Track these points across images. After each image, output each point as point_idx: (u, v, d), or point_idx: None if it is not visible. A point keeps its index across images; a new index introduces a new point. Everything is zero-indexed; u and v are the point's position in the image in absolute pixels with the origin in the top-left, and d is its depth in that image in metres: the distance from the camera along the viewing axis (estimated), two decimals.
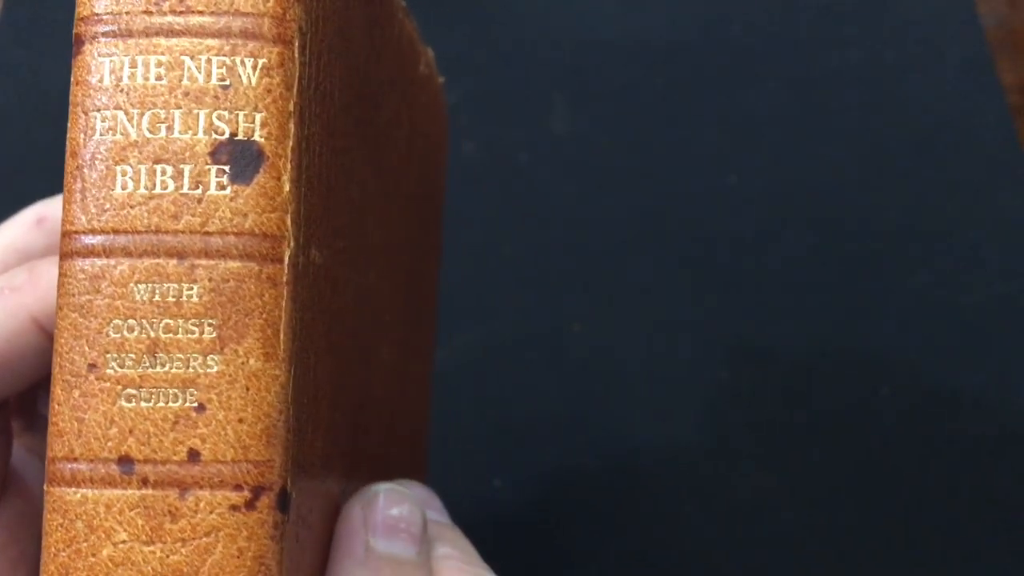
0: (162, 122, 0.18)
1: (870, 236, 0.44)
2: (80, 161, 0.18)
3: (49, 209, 0.24)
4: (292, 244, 0.18)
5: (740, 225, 0.44)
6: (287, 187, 0.18)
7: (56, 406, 0.18)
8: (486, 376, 0.42)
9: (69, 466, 0.17)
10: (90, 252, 0.18)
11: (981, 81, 0.47)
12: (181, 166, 0.18)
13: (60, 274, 0.18)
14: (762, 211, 0.45)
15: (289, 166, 0.18)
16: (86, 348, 0.17)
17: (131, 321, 0.17)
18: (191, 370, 0.17)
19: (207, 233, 0.17)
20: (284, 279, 0.18)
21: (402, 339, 0.28)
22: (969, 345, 0.42)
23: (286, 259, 0.18)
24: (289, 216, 0.18)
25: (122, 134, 0.18)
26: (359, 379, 0.23)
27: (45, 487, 0.18)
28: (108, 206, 0.18)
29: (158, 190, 0.18)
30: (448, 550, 0.23)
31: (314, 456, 0.19)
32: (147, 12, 0.18)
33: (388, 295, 0.25)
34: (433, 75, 0.30)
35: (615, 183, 0.45)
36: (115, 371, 0.17)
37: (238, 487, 0.17)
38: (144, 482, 0.17)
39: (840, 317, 0.43)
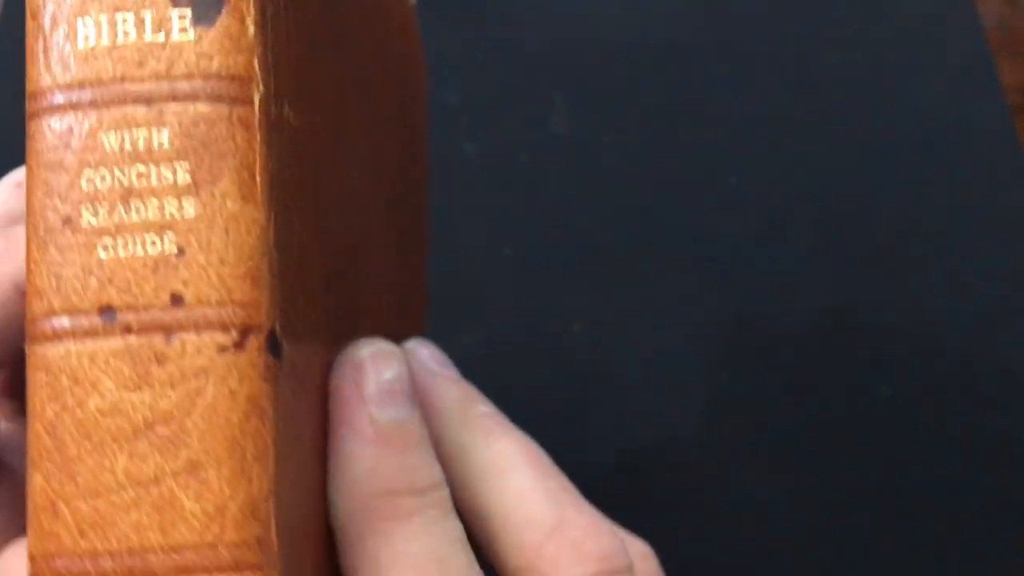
0: None
1: (870, 236, 0.44)
2: (40, 21, 0.18)
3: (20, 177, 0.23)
4: (262, 88, 0.18)
5: (740, 225, 0.44)
6: (251, 29, 0.18)
7: (32, 265, 0.17)
8: (486, 376, 0.42)
9: (50, 322, 0.17)
10: (57, 109, 0.18)
11: (981, 81, 0.47)
12: (142, 13, 0.17)
13: (28, 136, 0.18)
14: (762, 211, 0.45)
15: (252, 8, 0.18)
16: (58, 203, 0.17)
17: (103, 170, 0.17)
18: (168, 215, 0.17)
19: (173, 77, 0.17)
20: (256, 122, 0.17)
21: (391, 264, 0.27)
22: (969, 345, 0.42)
23: (256, 102, 0.18)
24: (256, 59, 0.18)
25: None
26: (349, 277, 0.23)
27: (27, 347, 0.17)
28: (72, 61, 0.18)
29: (120, 40, 0.17)
30: (487, 408, 0.23)
31: (307, 325, 0.19)
32: None
33: (372, 207, 0.25)
34: None
35: (615, 183, 0.45)
36: (90, 223, 0.17)
37: (225, 328, 0.17)
38: (127, 330, 0.17)
39: (840, 317, 0.43)
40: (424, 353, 0.24)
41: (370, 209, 0.25)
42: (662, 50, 0.48)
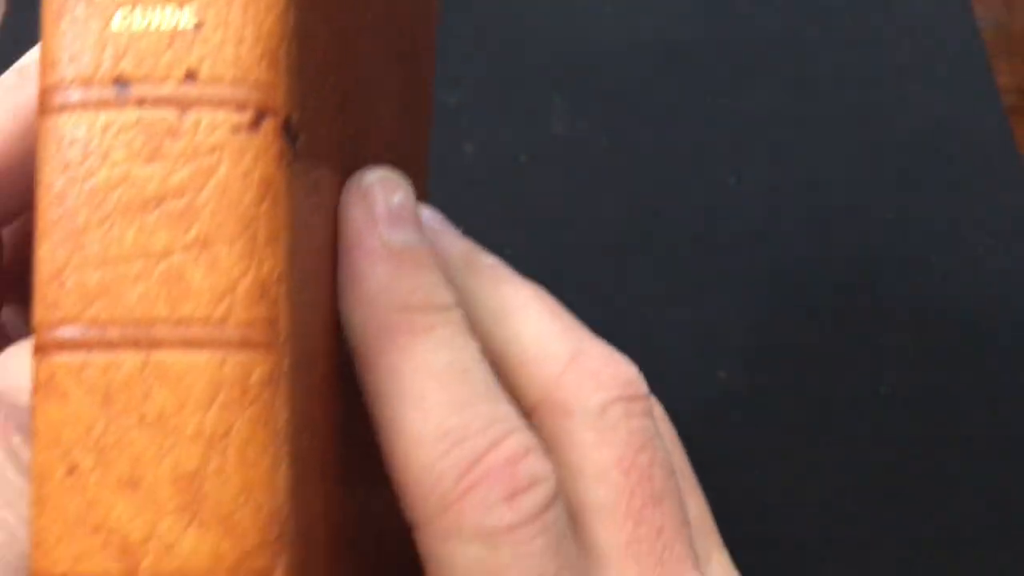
0: None
1: (869, 236, 0.44)
2: None
3: (27, 60, 0.23)
4: None
5: (740, 225, 0.44)
6: None
7: (46, 37, 0.17)
8: None
9: (63, 94, 0.17)
10: None
11: (978, 83, 0.47)
12: None
13: None
14: (762, 211, 0.45)
15: None
16: None
17: None
18: None
19: None
20: None
21: (395, 125, 0.27)
22: (969, 346, 0.42)
23: None
24: None
25: None
26: (360, 110, 0.23)
27: (37, 118, 0.17)
28: None
29: None
30: (493, 260, 0.23)
31: (322, 139, 0.19)
32: None
33: (383, 63, 0.25)
34: None
35: (615, 183, 0.45)
36: None
37: (240, 108, 0.17)
38: (141, 102, 0.17)
39: (839, 317, 0.43)
40: (426, 213, 0.24)
41: (379, 64, 0.25)
42: (662, 50, 0.48)
